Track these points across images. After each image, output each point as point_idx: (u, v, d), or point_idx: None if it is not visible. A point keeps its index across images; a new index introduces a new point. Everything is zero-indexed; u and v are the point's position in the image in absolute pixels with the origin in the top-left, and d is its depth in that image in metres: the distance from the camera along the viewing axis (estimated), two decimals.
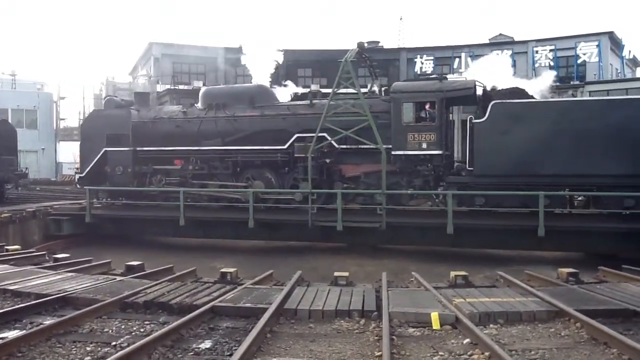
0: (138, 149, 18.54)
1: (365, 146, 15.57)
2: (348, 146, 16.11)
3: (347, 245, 16.44)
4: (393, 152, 15.44)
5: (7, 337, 6.08)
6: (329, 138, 15.92)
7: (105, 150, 18.84)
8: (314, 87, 29.75)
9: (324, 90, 22.10)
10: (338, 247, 16.57)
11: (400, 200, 15.90)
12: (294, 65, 38.96)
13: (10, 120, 29.74)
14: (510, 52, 33.58)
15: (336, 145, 16.08)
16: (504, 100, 14.83)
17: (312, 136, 15.87)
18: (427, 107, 15.53)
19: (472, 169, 14.89)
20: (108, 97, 20.96)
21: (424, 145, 15.31)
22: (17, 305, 7.40)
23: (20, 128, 32.53)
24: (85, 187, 18.21)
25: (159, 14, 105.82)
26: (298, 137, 16.43)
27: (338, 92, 16.19)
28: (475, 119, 14.96)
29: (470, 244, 15.34)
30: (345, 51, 16.55)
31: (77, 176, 21.06)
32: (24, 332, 6.32)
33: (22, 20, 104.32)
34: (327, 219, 15.37)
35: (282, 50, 34.53)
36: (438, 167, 15.52)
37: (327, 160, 16.36)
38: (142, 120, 18.81)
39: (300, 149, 16.20)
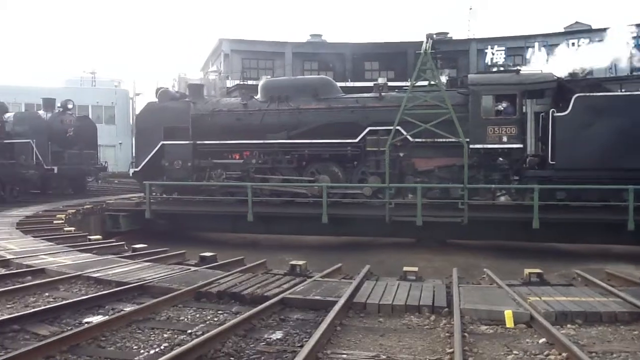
0: (198, 142, 17.94)
1: (441, 139, 15.32)
2: (423, 139, 15.75)
3: (415, 241, 16.28)
4: (472, 146, 15.18)
5: (91, 322, 6.44)
6: (403, 131, 15.65)
7: (163, 144, 18.20)
8: (380, 80, 29.49)
9: (390, 84, 21.91)
10: (405, 242, 16.43)
11: (477, 195, 15.71)
12: (360, 59, 38.87)
13: (90, 116, 31.29)
14: (587, 41, 32.04)
15: (410, 139, 15.75)
16: (587, 94, 14.60)
17: (385, 129, 15.73)
18: (508, 100, 15.35)
19: (553, 162, 14.70)
20: (162, 89, 19.72)
21: (505, 139, 15.13)
22: (99, 292, 7.81)
23: (100, 123, 34.12)
24: (144, 182, 17.63)
25: (230, 10, 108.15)
26: (370, 130, 16.20)
27: (416, 84, 15.97)
28: (557, 112, 14.69)
29: (548, 238, 15.23)
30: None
31: (131, 170, 19.93)
32: (106, 317, 6.65)
33: (100, 21, 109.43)
34: (403, 214, 15.19)
35: (348, 44, 34.44)
36: (517, 160, 15.34)
37: (400, 154, 16.08)
38: (200, 112, 18.18)
39: (373, 142, 16.03)
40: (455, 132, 15.04)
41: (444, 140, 15.32)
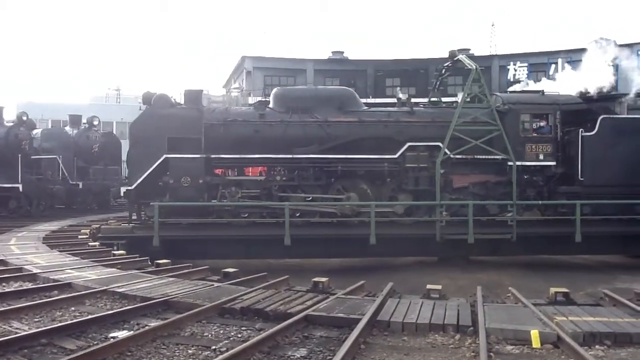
0: (213, 156, 15.73)
1: (481, 156, 15.54)
2: (463, 156, 15.60)
3: (438, 259, 16.15)
4: (511, 163, 15.35)
5: (117, 337, 6.49)
6: (445, 148, 15.36)
7: (167, 157, 15.48)
8: (402, 96, 29.57)
9: (413, 100, 21.93)
10: (427, 260, 16.30)
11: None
12: (382, 75, 38.98)
13: (114, 132, 31.81)
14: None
15: (451, 155, 15.48)
16: (612, 115, 15.95)
17: (425, 145, 15.72)
18: (545, 119, 16.07)
19: (582, 179, 15.53)
20: (159, 94, 16.45)
21: (541, 157, 15.74)
22: (124, 307, 7.87)
23: (124, 140, 34.59)
24: (152, 203, 15.06)
25: (252, 28, 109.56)
26: (410, 145, 15.75)
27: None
28: (585, 132, 15.59)
29: (581, 251, 16.18)
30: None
31: (123, 189, 16.34)
32: (132, 332, 6.70)
33: (125, 39, 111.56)
34: (454, 232, 15.10)
35: (370, 61, 34.57)
36: (549, 177, 15.87)
37: (441, 171, 15.53)
38: (211, 122, 15.85)
39: (413, 158, 15.71)
40: (499, 148, 15.34)
41: (483, 157, 15.53)
